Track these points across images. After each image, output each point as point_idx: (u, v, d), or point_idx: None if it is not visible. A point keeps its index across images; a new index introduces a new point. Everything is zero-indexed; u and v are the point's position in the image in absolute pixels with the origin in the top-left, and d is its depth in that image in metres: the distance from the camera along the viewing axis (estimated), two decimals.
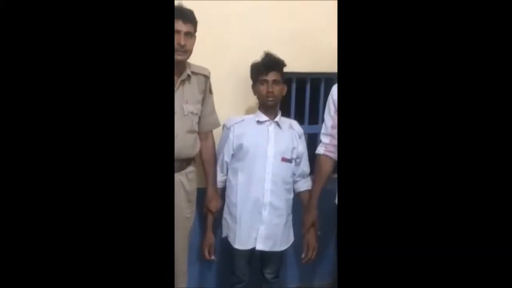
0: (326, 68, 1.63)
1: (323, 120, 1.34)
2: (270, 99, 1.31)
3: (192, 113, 1.27)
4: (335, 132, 1.21)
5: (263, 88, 1.31)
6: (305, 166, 1.40)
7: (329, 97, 1.28)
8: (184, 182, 1.27)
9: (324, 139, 1.28)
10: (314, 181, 1.36)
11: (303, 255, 1.36)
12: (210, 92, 1.34)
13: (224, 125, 1.37)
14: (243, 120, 1.37)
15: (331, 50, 1.56)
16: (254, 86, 1.35)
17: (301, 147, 1.38)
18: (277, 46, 1.40)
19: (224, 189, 1.38)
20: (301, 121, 1.57)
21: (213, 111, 1.35)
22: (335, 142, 1.23)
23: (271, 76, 1.30)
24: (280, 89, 1.34)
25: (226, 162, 1.36)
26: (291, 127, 1.39)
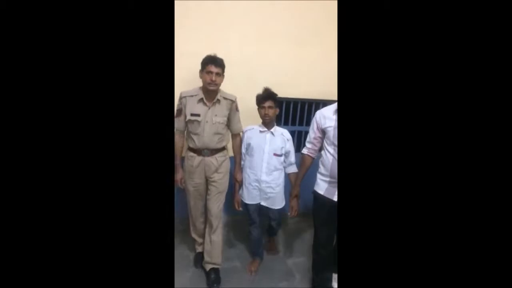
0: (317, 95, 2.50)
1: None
2: (266, 118, 1.96)
3: (218, 122, 1.89)
4: (315, 141, 1.77)
5: (261, 111, 1.97)
6: (291, 158, 2.04)
7: (313, 118, 1.77)
8: (214, 162, 1.94)
9: (307, 144, 1.83)
10: (299, 170, 1.94)
11: (289, 214, 1.95)
12: (237, 110, 1.99)
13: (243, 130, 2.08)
14: (252, 128, 2.06)
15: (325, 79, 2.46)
16: (258, 109, 2.01)
17: (288, 145, 2.02)
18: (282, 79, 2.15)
19: None
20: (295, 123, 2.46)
21: (238, 121, 2.02)
22: (315, 147, 1.80)
23: (267, 104, 1.93)
24: (273, 112, 1.96)
25: (243, 152, 2.09)
26: (282, 134, 2.01)
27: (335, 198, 1.62)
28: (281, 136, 2.02)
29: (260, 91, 2.02)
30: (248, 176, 2.05)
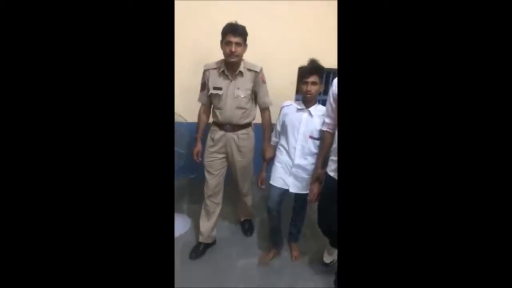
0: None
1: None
2: (308, 95, 1.72)
3: (240, 96, 1.78)
4: (333, 115, 1.58)
5: (303, 87, 1.70)
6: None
7: (330, 90, 1.56)
8: (235, 139, 1.85)
9: (326, 119, 1.65)
10: (319, 149, 1.74)
11: (308, 198, 1.78)
12: (263, 82, 1.83)
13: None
14: (290, 105, 1.82)
15: None
16: (298, 85, 1.73)
17: None
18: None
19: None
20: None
21: (265, 94, 1.87)
22: (334, 122, 1.59)
23: (311, 79, 1.67)
24: (317, 89, 1.70)
25: (278, 130, 1.90)
26: (323, 115, 1.70)
27: None
28: (322, 118, 1.75)
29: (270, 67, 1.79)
30: (280, 156, 1.88)
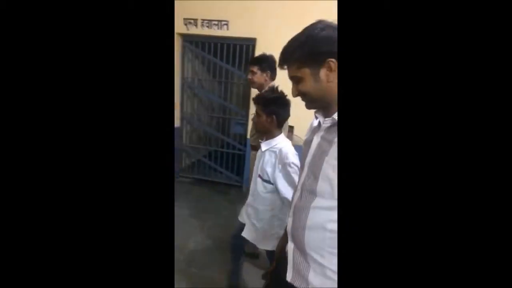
0: None
1: None
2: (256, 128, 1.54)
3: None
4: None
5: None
6: (282, 193, 1.35)
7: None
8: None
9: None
10: None
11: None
12: None
13: None
14: None
15: None
16: None
17: (278, 175, 1.36)
18: None
19: None
20: None
21: None
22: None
23: (256, 109, 1.43)
24: (259, 121, 1.40)
25: None
26: (276, 155, 1.39)
27: None
28: (273, 157, 1.40)
29: None
30: None
